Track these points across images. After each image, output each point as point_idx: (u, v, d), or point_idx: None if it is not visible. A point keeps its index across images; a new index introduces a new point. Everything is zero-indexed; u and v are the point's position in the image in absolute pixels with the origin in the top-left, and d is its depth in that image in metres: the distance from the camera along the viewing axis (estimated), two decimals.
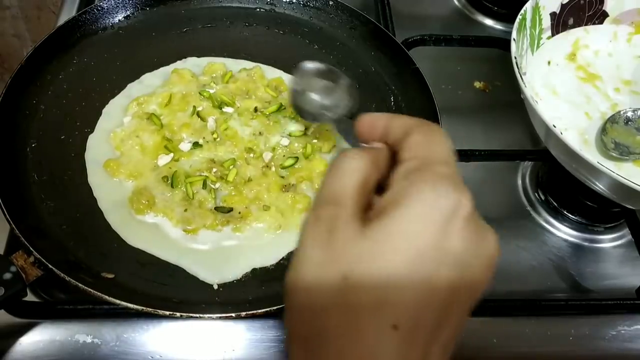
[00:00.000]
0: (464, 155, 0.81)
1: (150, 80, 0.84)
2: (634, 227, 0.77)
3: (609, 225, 0.82)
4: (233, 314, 0.61)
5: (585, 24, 0.88)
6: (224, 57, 0.88)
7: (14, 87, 0.76)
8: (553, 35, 0.86)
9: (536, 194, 0.84)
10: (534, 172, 0.86)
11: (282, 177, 0.75)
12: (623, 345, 0.69)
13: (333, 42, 0.92)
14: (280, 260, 0.70)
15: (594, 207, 0.81)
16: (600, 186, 0.68)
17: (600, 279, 0.77)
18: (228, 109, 0.80)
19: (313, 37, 0.92)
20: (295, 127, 0.79)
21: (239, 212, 0.72)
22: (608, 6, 0.87)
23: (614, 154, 0.76)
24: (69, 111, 0.79)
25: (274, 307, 0.61)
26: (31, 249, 0.62)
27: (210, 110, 0.80)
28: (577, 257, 0.79)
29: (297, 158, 0.76)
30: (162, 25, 0.91)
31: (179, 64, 0.86)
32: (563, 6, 0.85)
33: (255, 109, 0.80)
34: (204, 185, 0.73)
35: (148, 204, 0.71)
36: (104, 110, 0.80)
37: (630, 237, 0.78)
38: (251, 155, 0.76)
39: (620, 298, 0.72)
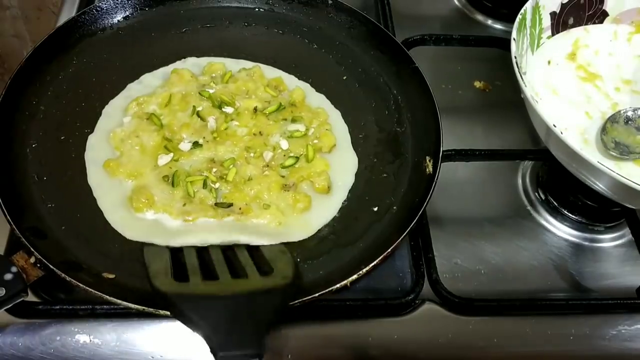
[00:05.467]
0: (464, 155, 0.81)
1: (150, 80, 0.84)
2: (634, 226, 0.77)
3: (609, 224, 0.82)
4: None
5: (586, 24, 0.88)
6: (224, 57, 0.88)
7: (13, 87, 0.76)
8: (553, 34, 0.86)
9: (536, 194, 0.84)
10: (534, 172, 0.86)
11: (283, 176, 0.75)
12: (623, 344, 0.69)
13: (332, 41, 0.91)
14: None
15: (594, 207, 0.81)
16: (600, 186, 0.68)
17: (601, 279, 0.77)
18: (228, 109, 0.80)
19: (312, 37, 0.92)
20: (295, 127, 0.79)
21: (239, 208, 0.72)
22: (608, 5, 0.87)
23: (614, 154, 0.76)
24: (69, 111, 0.79)
25: None
26: (32, 249, 0.62)
27: (210, 110, 0.80)
28: (577, 257, 0.79)
29: (297, 158, 0.76)
30: (162, 25, 0.91)
31: (178, 64, 0.86)
32: (563, 6, 0.85)
33: (255, 109, 0.80)
34: (205, 185, 0.73)
35: (148, 202, 0.71)
36: (103, 111, 0.80)
37: (630, 236, 0.78)
38: (251, 154, 0.76)
39: (620, 298, 0.72)
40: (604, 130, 0.79)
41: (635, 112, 0.80)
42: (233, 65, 0.87)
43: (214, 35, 0.92)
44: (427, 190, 0.71)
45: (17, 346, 0.64)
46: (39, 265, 0.62)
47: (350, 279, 0.64)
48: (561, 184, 0.82)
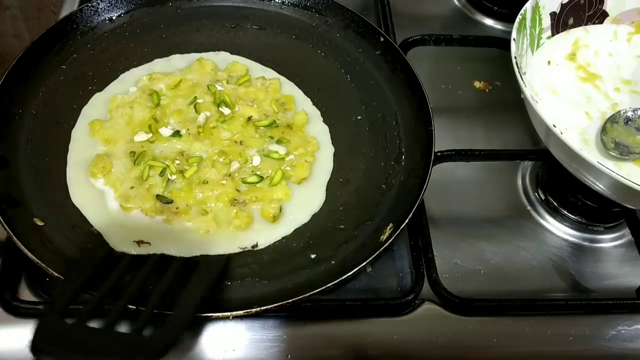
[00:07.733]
0: (463, 155, 0.81)
1: (177, 61, 0.86)
2: (634, 226, 0.77)
3: (609, 225, 0.82)
4: None
5: (585, 24, 0.88)
6: (255, 60, 0.87)
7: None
8: (553, 35, 0.86)
9: (536, 194, 0.84)
10: (534, 172, 0.86)
11: (238, 190, 0.73)
12: (623, 345, 0.69)
13: (368, 79, 0.86)
14: (191, 257, 0.68)
15: (594, 207, 0.81)
16: (600, 186, 0.68)
17: (600, 279, 0.77)
18: (225, 110, 0.80)
19: (350, 68, 0.87)
20: (275, 148, 0.77)
21: (177, 208, 0.71)
22: (608, 6, 0.87)
23: (614, 154, 0.76)
24: (92, 67, 0.84)
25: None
26: None
27: (209, 105, 0.80)
28: (577, 257, 0.79)
29: (262, 178, 0.74)
30: (214, 15, 0.92)
31: (210, 54, 0.87)
32: (563, 6, 0.85)
33: (249, 118, 0.79)
34: (162, 173, 0.73)
35: (104, 170, 0.73)
36: (121, 75, 0.83)
37: (630, 236, 0.78)
38: (221, 159, 0.75)
39: (620, 298, 0.72)
40: (603, 130, 0.79)
41: (635, 112, 0.80)
42: (259, 71, 0.86)
43: (259, 38, 0.91)
44: (368, 257, 0.65)
45: (16, 346, 0.64)
46: None
47: (235, 312, 0.61)
48: (561, 184, 0.83)
